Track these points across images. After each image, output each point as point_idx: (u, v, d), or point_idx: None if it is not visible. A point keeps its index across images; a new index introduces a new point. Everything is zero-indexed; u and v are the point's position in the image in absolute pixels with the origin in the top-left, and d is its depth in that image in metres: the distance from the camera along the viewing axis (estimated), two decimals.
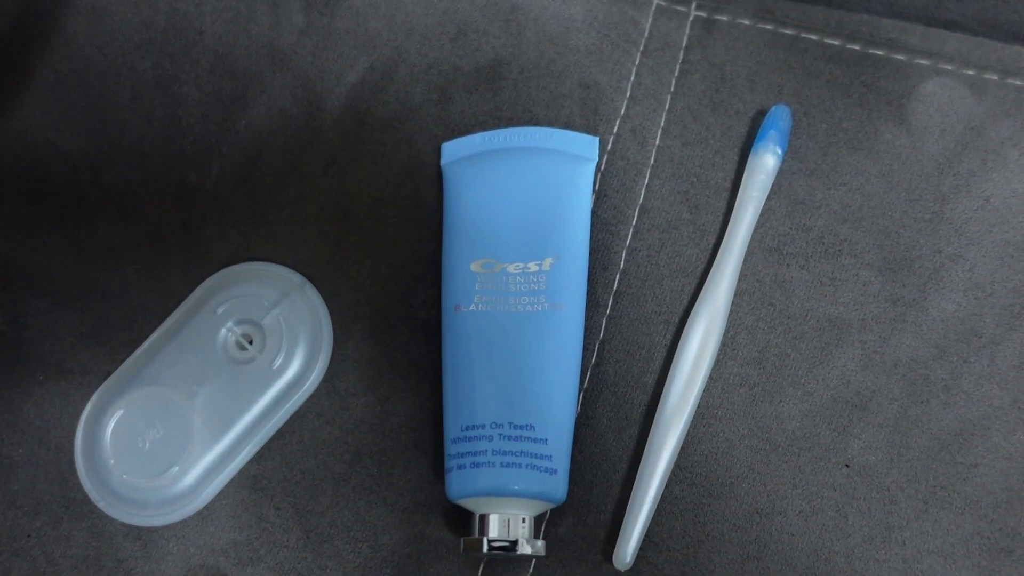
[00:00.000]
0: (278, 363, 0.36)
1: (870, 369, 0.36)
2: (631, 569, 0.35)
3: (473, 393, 0.35)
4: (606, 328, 0.37)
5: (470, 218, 0.37)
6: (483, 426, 0.34)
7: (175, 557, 0.36)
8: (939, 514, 0.35)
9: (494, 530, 0.34)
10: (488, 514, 0.34)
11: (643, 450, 0.35)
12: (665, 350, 0.37)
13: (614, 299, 0.37)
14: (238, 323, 0.37)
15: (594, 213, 0.38)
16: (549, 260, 0.36)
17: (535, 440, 0.34)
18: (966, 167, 0.38)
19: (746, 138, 0.38)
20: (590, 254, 0.37)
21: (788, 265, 0.37)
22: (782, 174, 0.38)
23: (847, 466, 0.35)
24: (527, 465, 0.34)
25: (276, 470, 0.36)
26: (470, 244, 0.36)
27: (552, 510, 0.36)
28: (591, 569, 0.35)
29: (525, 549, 0.34)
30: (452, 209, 0.37)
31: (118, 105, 0.40)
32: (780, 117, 0.37)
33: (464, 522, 0.36)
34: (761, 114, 0.38)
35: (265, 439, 0.36)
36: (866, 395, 0.36)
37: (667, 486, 0.35)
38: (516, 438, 0.34)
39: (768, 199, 0.37)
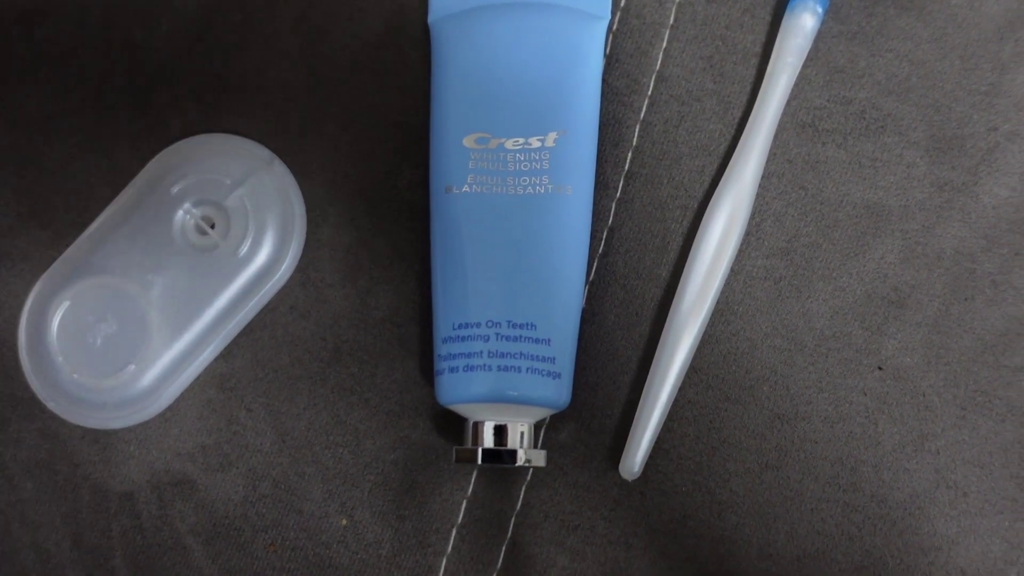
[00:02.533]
0: (244, 250, 0.33)
1: (911, 262, 0.33)
2: (639, 478, 0.32)
3: (466, 287, 0.31)
4: (615, 213, 0.34)
5: (462, 85, 0.33)
6: (478, 324, 0.31)
7: (136, 461, 0.33)
8: (977, 421, 0.32)
9: (489, 439, 0.31)
10: (483, 421, 0.31)
11: (655, 349, 0.32)
12: (682, 239, 0.33)
13: (625, 180, 0.34)
14: (197, 204, 0.33)
15: (604, 81, 0.34)
16: (553, 135, 0.32)
17: (536, 340, 0.31)
18: None
19: None
20: (599, 129, 0.33)
21: (824, 143, 0.33)
22: (820, 38, 0.34)
23: (880, 369, 0.32)
24: (527, 369, 0.31)
25: (246, 369, 0.33)
26: (462, 115, 0.32)
27: (553, 414, 0.33)
28: (595, 477, 0.32)
29: (524, 460, 0.31)
30: (441, 74, 0.33)
31: None
32: None
33: (455, 427, 0.33)
34: None
35: (232, 334, 0.33)
36: (904, 291, 0.32)
37: (680, 389, 0.32)
38: (515, 338, 0.31)
39: (803, 67, 0.33)
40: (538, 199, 0.32)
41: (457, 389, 0.31)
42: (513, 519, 0.33)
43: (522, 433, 0.31)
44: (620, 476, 0.32)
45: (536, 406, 0.31)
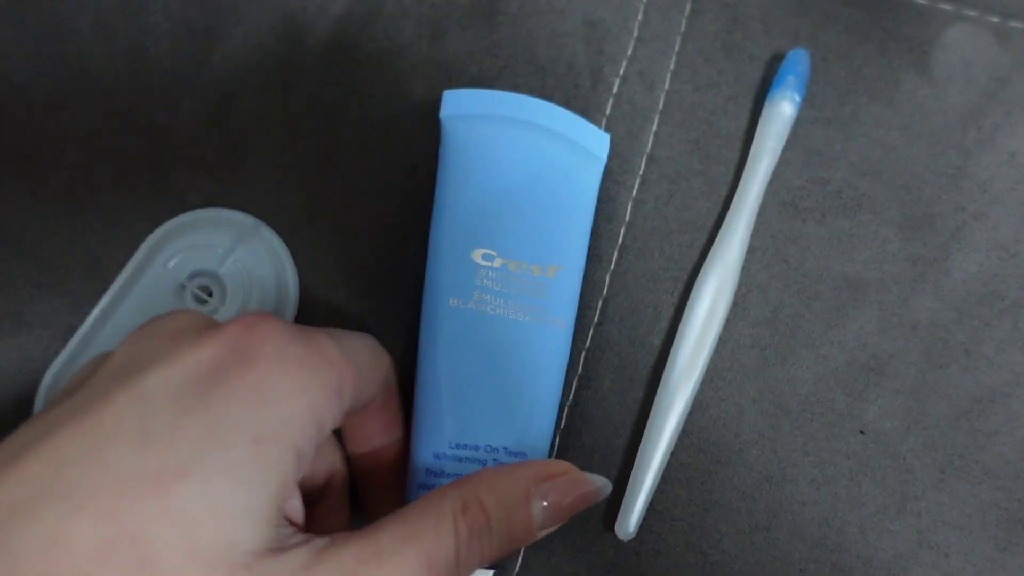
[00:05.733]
0: None
1: (888, 332, 0.34)
2: (634, 539, 0.33)
3: (469, 408, 0.31)
4: (610, 284, 0.35)
5: (470, 193, 0.32)
6: (476, 447, 0.31)
7: None
8: (956, 484, 0.33)
9: None
10: None
11: (648, 414, 0.33)
12: (672, 309, 0.35)
13: (619, 254, 0.35)
14: (192, 277, 0.34)
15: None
16: (554, 268, 0.32)
17: None
18: (991, 120, 0.36)
19: (760, 84, 0.36)
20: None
21: (804, 220, 0.35)
22: (798, 123, 0.36)
23: (862, 433, 0.34)
24: None
25: None
26: (471, 226, 0.32)
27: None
28: (591, 539, 0.33)
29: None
30: (450, 177, 0.33)
31: (78, 34, 0.37)
32: (799, 62, 0.35)
33: None
34: (776, 59, 0.36)
35: None
36: (883, 359, 0.34)
37: (673, 452, 0.33)
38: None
39: (783, 150, 0.35)
40: (534, 327, 0.32)
41: None
42: None
43: None
44: (616, 537, 0.33)
45: None
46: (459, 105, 0.33)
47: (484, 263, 0.31)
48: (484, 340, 0.31)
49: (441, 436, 0.31)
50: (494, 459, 0.31)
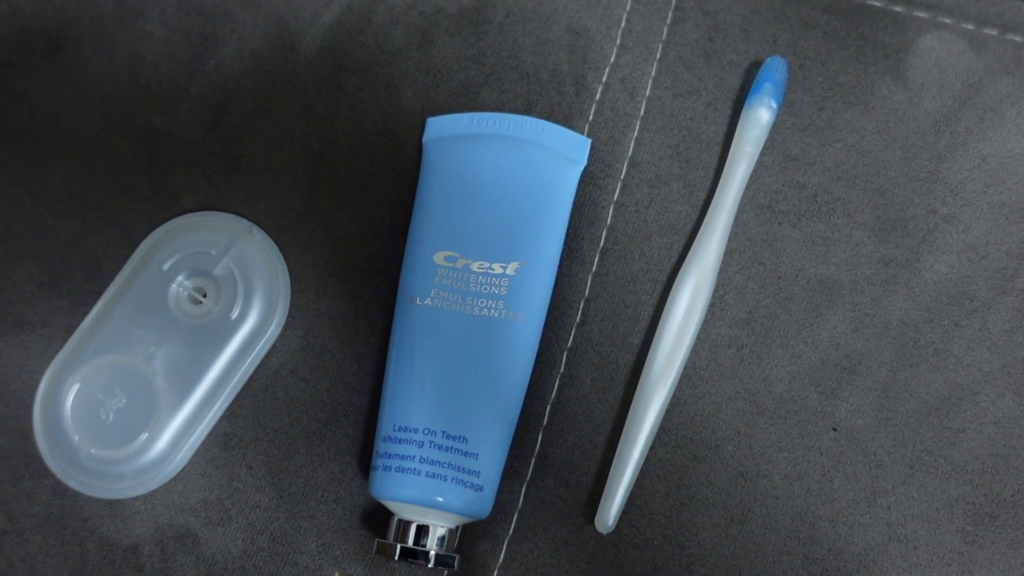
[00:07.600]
0: (236, 313, 0.35)
1: (860, 331, 0.35)
2: (613, 532, 0.34)
3: (412, 393, 0.33)
4: (591, 286, 0.36)
5: (443, 204, 0.35)
6: (416, 430, 0.33)
7: (142, 516, 0.35)
8: (925, 479, 0.34)
9: (409, 538, 0.33)
10: (407, 521, 0.33)
11: (627, 411, 0.34)
12: (652, 309, 0.36)
13: (600, 256, 0.36)
14: (188, 277, 0.35)
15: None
16: (515, 265, 0.34)
17: (466, 454, 0.33)
18: (963, 125, 0.37)
19: (739, 90, 0.37)
20: (574, 209, 0.36)
21: (780, 223, 0.36)
22: (776, 129, 0.37)
23: (834, 430, 0.35)
24: (453, 479, 0.33)
25: (248, 428, 0.35)
26: (437, 233, 0.35)
27: (534, 470, 0.35)
28: (572, 532, 0.34)
29: (435, 563, 0.33)
30: (425, 192, 0.35)
31: (78, 41, 0.38)
32: (776, 69, 0.36)
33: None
34: (755, 65, 0.37)
35: (234, 393, 0.35)
36: (855, 358, 0.35)
37: (651, 448, 0.34)
38: (447, 448, 0.33)
39: (761, 155, 0.36)
40: (491, 322, 0.34)
41: (387, 487, 0.33)
42: (496, 571, 0.34)
43: (441, 537, 0.33)
44: (596, 530, 0.34)
45: (457, 514, 0.33)
46: (441, 129, 0.36)
47: (446, 264, 0.34)
48: (438, 334, 0.34)
49: (388, 421, 0.33)
50: (431, 441, 0.33)
